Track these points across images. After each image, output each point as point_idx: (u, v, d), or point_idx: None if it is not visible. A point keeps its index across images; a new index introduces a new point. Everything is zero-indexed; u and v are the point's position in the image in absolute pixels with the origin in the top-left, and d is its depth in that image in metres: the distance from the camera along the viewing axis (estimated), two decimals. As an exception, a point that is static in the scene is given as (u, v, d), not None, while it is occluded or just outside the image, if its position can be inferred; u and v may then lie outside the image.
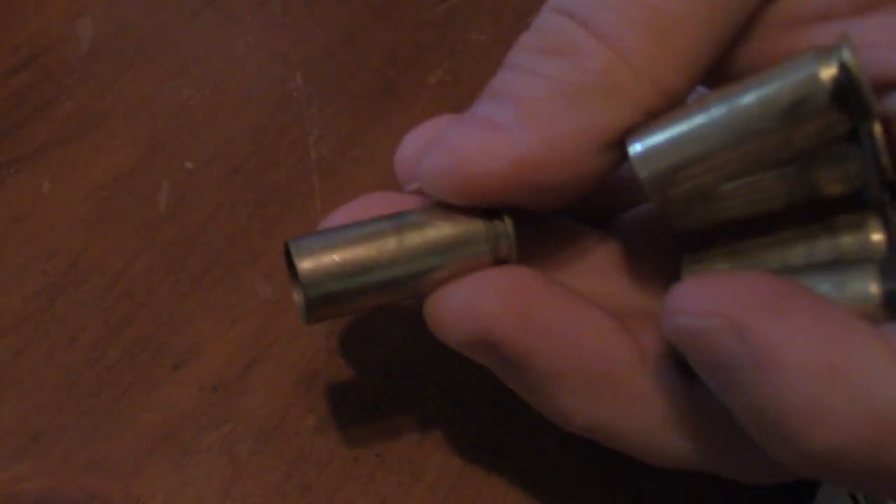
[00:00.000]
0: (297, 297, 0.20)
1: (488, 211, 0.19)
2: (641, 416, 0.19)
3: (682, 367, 0.19)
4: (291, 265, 0.19)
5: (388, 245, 0.19)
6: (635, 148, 0.19)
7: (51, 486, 0.21)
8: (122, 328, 0.24)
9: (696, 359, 0.17)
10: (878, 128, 0.18)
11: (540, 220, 0.21)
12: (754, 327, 0.16)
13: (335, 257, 0.19)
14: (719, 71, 0.20)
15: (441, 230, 0.19)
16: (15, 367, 0.23)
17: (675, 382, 0.19)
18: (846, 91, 0.17)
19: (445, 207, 0.20)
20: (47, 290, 0.24)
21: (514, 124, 0.18)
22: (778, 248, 0.20)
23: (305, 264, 0.19)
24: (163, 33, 0.30)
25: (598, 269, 0.21)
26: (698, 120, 0.18)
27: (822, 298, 0.17)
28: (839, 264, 0.19)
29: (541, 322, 0.19)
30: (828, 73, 0.17)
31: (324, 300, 0.19)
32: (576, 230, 0.22)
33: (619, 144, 0.19)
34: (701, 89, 0.20)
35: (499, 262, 0.20)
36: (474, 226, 0.19)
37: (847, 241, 0.19)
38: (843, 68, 0.17)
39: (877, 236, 0.19)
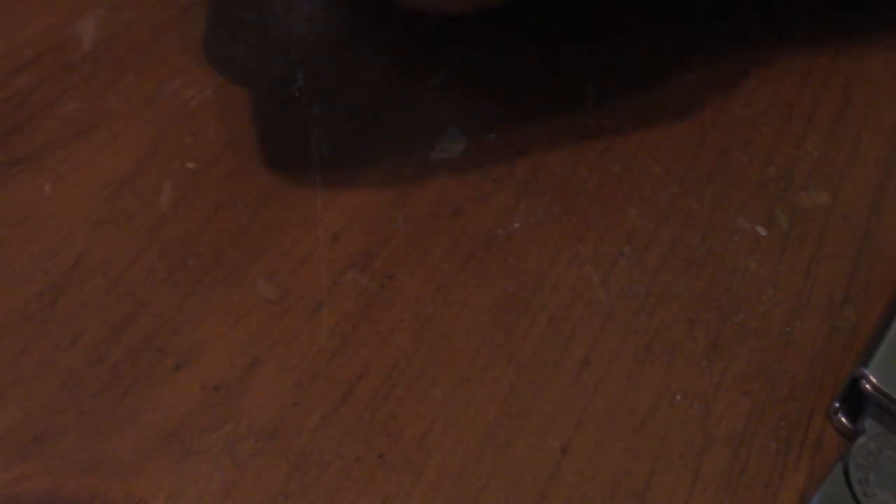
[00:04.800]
0: None
1: None
2: None
3: None
4: None
5: None
6: None
7: (52, 486, 0.21)
8: (124, 328, 0.24)
9: None
10: None
11: None
12: None
13: None
14: None
15: None
16: (16, 367, 0.23)
17: None
18: None
19: None
20: (49, 290, 0.24)
21: None
22: None
23: None
24: (164, 33, 0.30)
25: None
26: None
27: None
28: None
29: None
30: None
31: None
32: None
33: None
34: None
35: None
36: None
37: None
38: None
39: None
